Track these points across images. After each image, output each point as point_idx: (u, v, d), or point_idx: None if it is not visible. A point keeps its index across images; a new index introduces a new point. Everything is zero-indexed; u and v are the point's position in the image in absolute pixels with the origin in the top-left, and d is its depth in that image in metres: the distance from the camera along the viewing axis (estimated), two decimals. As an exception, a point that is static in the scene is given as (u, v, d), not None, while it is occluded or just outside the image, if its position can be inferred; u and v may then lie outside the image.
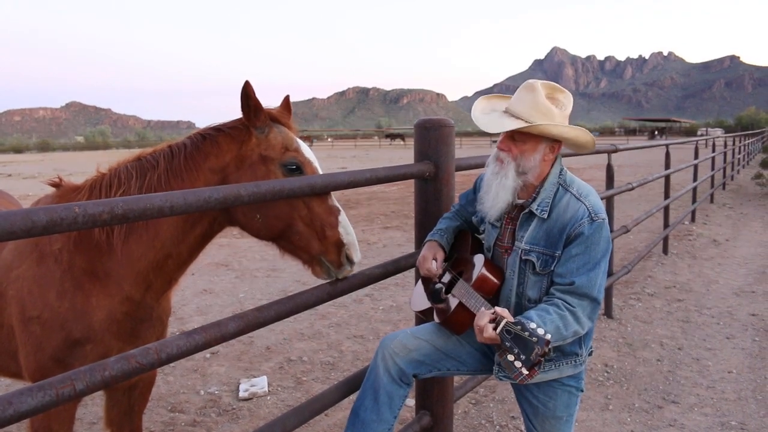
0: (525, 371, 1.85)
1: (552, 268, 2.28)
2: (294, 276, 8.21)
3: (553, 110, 2.27)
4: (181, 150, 2.41)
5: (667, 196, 9.13)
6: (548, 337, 1.86)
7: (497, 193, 2.33)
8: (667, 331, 5.94)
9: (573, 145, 2.42)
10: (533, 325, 1.91)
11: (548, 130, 2.26)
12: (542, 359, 1.84)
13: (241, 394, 4.69)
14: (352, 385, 2.59)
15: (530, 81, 2.36)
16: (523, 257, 2.34)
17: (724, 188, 18.33)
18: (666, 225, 9.27)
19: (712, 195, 15.31)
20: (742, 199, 16.54)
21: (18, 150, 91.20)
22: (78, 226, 1.52)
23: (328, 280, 2.41)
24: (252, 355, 5.50)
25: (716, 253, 9.60)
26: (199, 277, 8.16)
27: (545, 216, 2.31)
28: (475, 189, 2.71)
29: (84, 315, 2.31)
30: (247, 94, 2.28)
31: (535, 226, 2.34)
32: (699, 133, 76.61)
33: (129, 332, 2.44)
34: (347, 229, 2.36)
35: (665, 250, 9.41)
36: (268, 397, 4.65)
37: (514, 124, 2.25)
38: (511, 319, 2.00)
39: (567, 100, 2.35)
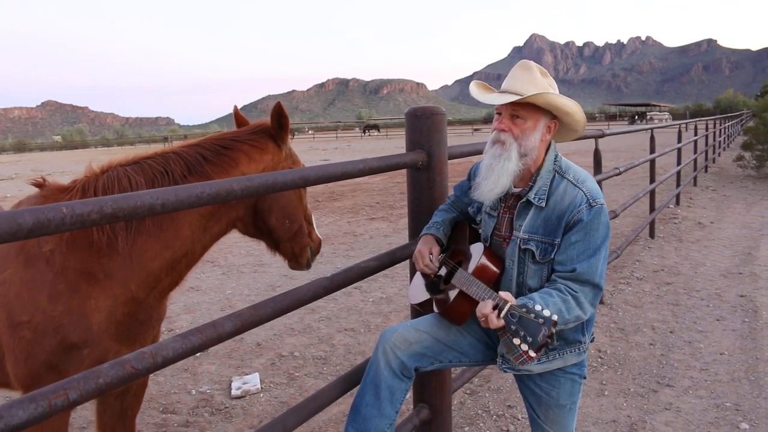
0: (533, 353, 1.80)
1: (552, 257, 2.24)
2: (281, 270, 8.14)
3: (549, 89, 2.26)
4: (197, 157, 2.42)
5: (652, 180, 9.16)
6: (555, 318, 1.83)
7: (499, 177, 2.27)
8: (658, 315, 5.95)
9: (566, 126, 2.39)
10: (538, 307, 1.88)
11: (553, 100, 2.22)
12: (549, 341, 1.79)
13: (234, 392, 4.62)
14: (351, 380, 2.54)
15: (524, 60, 2.34)
16: (522, 246, 2.29)
17: (706, 171, 18.49)
18: (652, 209, 9.31)
19: (695, 178, 15.42)
20: (724, 181, 16.69)
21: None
22: (66, 228, 1.44)
23: (305, 270, 2.83)
24: (242, 352, 5.44)
25: (702, 235, 9.66)
26: (185, 274, 8.05)
27: (543, 204, 2.27)
28: (470, 178, 2.66)
29: (82, 318, 2.23)
30: (281, 114, 2.54)
31: (533, 215, 2.29)
32: (649, 117, 77.36)
33: (127, 334, 2.38)
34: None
35: (652, 234, 9.46)
36: (261, 395, 4.59)
37: (517, 96, 2.21)
38: (515, 302, 1.97)
39: (554, 85, 2.34)
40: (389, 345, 2.37)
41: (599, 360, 4.92)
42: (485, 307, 2.00)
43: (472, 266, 2.29)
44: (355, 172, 2.46)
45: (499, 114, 2.31)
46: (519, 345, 1.83)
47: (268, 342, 5.64)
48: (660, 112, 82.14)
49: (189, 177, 2.35)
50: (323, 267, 8.19)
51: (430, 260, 2.46)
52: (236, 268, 8.50)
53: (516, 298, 2.29)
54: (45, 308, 2.20)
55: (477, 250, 2.38)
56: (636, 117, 79.11)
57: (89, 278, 2.24)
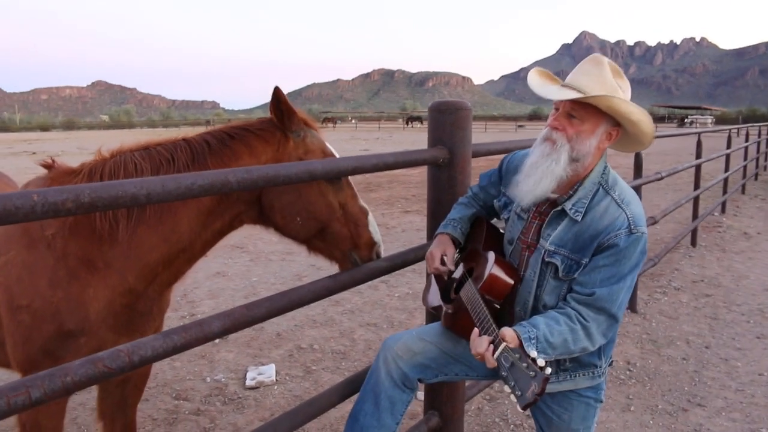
0: (519, 409, 1.63)
1: (575, 276, 2.04)
2: (309, 260, 8.06)
3: (618, 90, 2.00)
4: (203, 146, 2.31)
5: (697, 186, 8.79)
6: (548, 372, 1.61)
7: (542, 178, 2.04)
8: (693, 328, 5.68)
9: (630, 137, 2.12)
10: (533, 353, 1.67)
11: (617, 106, 1.96)
12: (539, 398, 1.61)
13: (248, 382, 4.56)
14: (352, 386, 2.42)
15: (597, 54, 2.08)
16: (546, 258, 2.09)
17: (756, 179, 17.79)
18: (695, 216, 8.94)
19: (743, 186, 14.84)
20: (774, 190, 16.05)
21: (44, 128, 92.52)
22: (36, 216, 1.35)
23: None
24: (262, 341, 5.37)
25: (747, 246, 9.25)
26: (213, 259, 8.06)
27: (579, 218, 2.05)
28: (501, 170, 2.46)
29: (80, 306, 2.17)
30: (278, 98, 2.32)
31: (565, 227, 2.08)
32: (689, 120, 75.35)
33: (126, 325, 2.31)
34: (375, 228, 2.50)
35: (693, 242, 9.10)
36: (275, 387, 4.52)
37: (578, 94, 1.97)
38: (514, 340, 1.77)
39: (626, 87, 2.06)
40: (391, 354, 2.24)
41: (627, 372, 4.70)
42: (480, 346, 1.81)
43: (482, 276, 2.12)
44: (369, 167, 2.33)
45: (557, 110, 2.07)
46: (509, 394, 1.66)
47: (288, 333, 5.57)
48: (702, 115, 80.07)
49: (192, 166, 2.25)
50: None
51: (443, 263, 2.31)
52: (264, 256, 8.47)
53: (532, 311, 2.12)
54: (44, 294, 2.15)
55: (490, 257, 2.20)
56: (685, 120, 77.21)
57: (89, 266, 2.18)
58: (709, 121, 74.98)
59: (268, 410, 4.17)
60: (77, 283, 2.17)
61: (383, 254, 2.52)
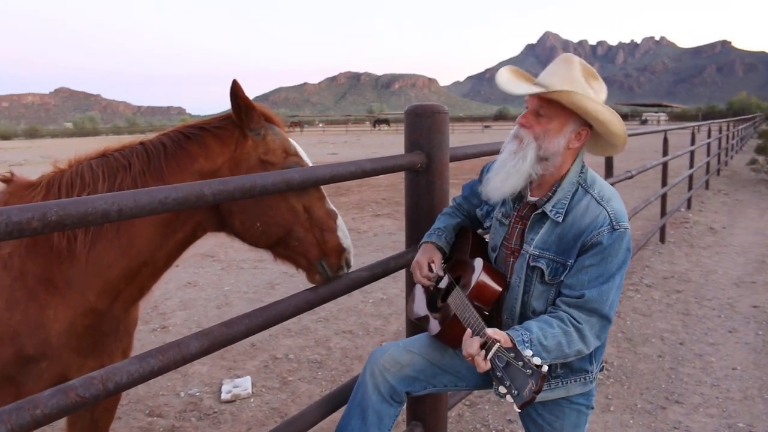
0: (517, 409, 1.58)
1: (562, 278, 2.00)
2: (282, 267, 7.95)
3: (588, 90, 1.97)
4: (159, 149, 2.17)
5: (664, 183, 8.91)
6: (544, 369, 1.57)
7: (508, 175, 2.03)
8: (667, 325, 5.73)
9: (603, 139, 2.10)
10: (528, 352, 1.62)
11: (580, 102, 1.93)
12: (536, 395, 1.56)
13: (224, 395, 4.45)
14: (336, 401, 2.35)
15: (569, 54, 2.06)
16: (531, 263, 2.06)
17: (718, 174, 18.16)
18: (663, 213, 9.06)
19: (707, 181, 15.13)
20: (737, 185, 16.38)
21: (6, 137, 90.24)
22: (0, 237, 1.26)
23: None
24: (236, 352, 5.26)
25: (713, 241, 9.41)
26: (183, 269, 7.90)
27: (560, 219, 2.02)
28: (481, 179, 2.43)
29: (39, 328, 2.05)
30: (236, 93, 2.14)
31: (548, 230, 2.05)
32: (643, 118, 77.43)
33: (92, 346, 2.19)
34: (345, 232, 2.31)
35: (662, 239, 9.22)
36: (252, 399, 4.41)
37: (543, 90, 1.95)
38: (507, 342, 1.71)
39: (600, 88, 2.03)
40: (378, 367, 2.17)
41: (605, 372, 4.71)
42: (471, 347, 1.74)
43: (471, 283, 2.07)
44: (347, 175, 2.27)
45: (527, 108, 2.05)
46: (505, 395, 1.61)
47: (263, 343, 5.47)
48: (657, 113, 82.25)
49: (147, 172, 2.12)
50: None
51: (431, 270, 2.26)
52: (236, 264, 8.33)
53: (520, 318, 2.08)
54: (1, 316, 2.02)
55: (478, 264, 2.16)
56: (644, 118, 79.17)
57: (48, 285, 2.05)
58: (662, 118, 77.17)
59: (245, 424, 4.07)
60: (36, 303, 2.05)
61: (353, 260, 2.36)
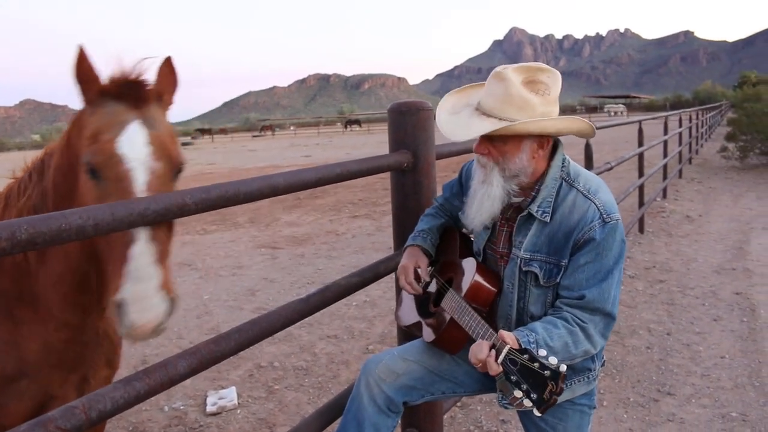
0: (537, 413, 1.48)
1: (558, 280, 1.93)
2: (260, 273, 7.83)
3: (531, 100, 1.86)
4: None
5: (641, 174, 8.95)
6: (563, 369, 1.49)
7: (481, 203, 1.96)
8: (653, 316, 5.72)
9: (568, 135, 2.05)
10: (543, 352, 1.54)
11: (524, 129, 1.86)
12: (558, 398, 1.47)
13: (209, 408, 4.31)
14: (331, 414, 2.25)
15: (499, 69, 1.93)
16: (524, 267, 1.97)
17: (690, 163, 18.37)
18: (641, 203, 9.10)
19: (680, 170, 15.28)
20: (709, 173, 16.59)
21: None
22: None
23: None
24: (219, 362, 5.12)
25: (691, 229, 9.48)
26: (160, 279, 7.71)
27: (547, 219, 1.94)
28: (461, 179, 2.36)
29: (14, 347, 1.94)
30: (77, 60, 1.67)
31: (536, 231, 1.97)
32: (606, 110, 79.68)
33: (73, 360, 2.07)
34: (142, 271, 1.56)
35: (641, 229, 9.25)
36: (238, 411, 4.29)
37: (482, 127, 1.87)
38: (515, 344, 1.63)
39: (552, 80, 1.93)
40: (373, 378, 2.08)
41: (595, 366, 4.67)
42: (481, 352, 1.65)
43: (465, 285, 1.99)
44: (333, 178, 2.17)
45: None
46: (521, 399, 1.49)
47: (247, 351, 5.32)
48: (616, 104, 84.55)
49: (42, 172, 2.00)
50: (304, 269, 7.90)
51: (417, 275, 2.17)
52: (214, 271, 8.16)
53: (516, 324, 2.00)
54: None
55: (469, 264, 2.07)
56: (609, 111, 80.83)
57: (19, 301, 1.95)
58: (621, 110, 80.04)
59: (232, 437, 3.95)
60: (10, 321, 1.95)
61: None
